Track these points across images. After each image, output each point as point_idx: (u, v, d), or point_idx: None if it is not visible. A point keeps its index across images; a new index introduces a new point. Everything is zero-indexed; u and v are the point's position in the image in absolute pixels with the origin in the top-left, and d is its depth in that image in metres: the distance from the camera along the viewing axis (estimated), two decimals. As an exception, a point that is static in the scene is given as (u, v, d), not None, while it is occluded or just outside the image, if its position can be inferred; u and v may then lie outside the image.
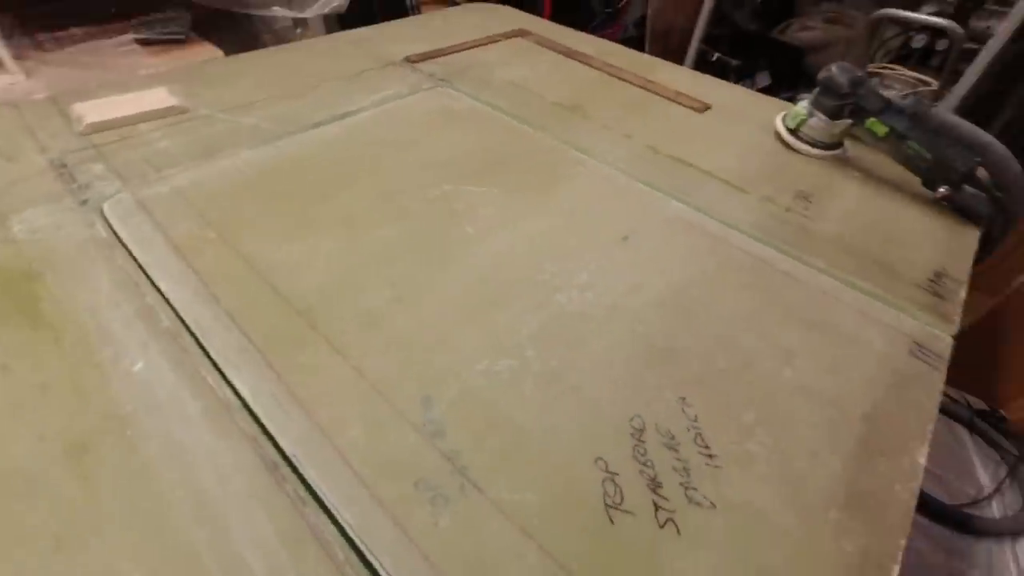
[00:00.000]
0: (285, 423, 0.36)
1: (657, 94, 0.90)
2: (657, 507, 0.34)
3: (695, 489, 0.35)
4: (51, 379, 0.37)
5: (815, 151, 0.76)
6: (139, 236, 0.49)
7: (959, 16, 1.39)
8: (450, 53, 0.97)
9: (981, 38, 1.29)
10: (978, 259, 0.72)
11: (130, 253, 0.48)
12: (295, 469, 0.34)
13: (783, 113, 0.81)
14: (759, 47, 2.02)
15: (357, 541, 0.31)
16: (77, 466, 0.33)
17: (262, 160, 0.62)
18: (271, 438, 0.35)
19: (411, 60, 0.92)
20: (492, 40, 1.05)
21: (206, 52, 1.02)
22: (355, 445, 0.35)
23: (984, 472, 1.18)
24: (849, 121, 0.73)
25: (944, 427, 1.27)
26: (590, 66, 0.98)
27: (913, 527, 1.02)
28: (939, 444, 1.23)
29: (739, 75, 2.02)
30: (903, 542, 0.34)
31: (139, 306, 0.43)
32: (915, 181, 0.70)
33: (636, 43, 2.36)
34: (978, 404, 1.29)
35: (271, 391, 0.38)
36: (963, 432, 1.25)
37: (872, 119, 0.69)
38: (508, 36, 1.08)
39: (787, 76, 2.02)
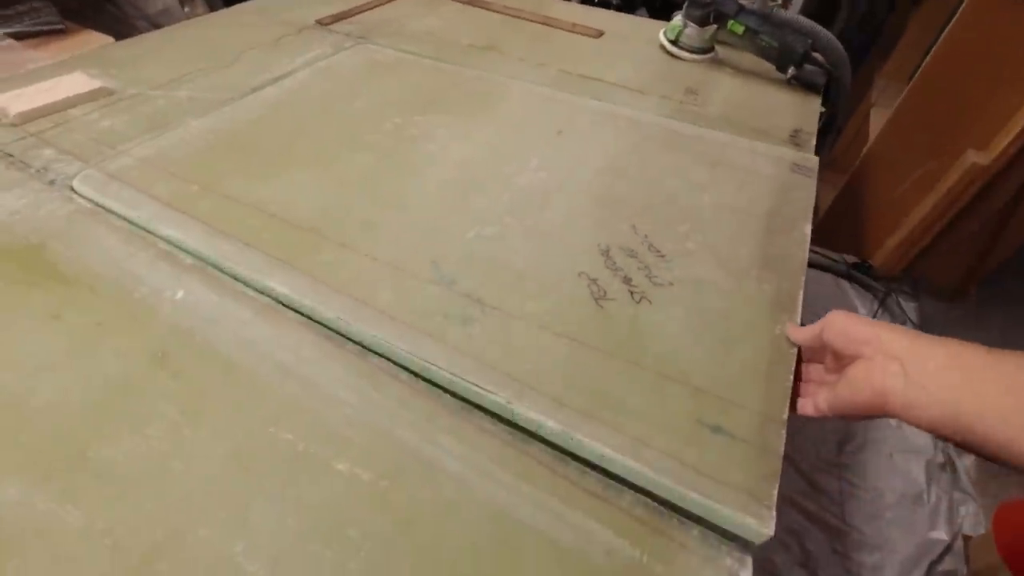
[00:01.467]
0: (329, 303, 0.43)
1: (557, 28, 1.00)
2: (632, 292, 0.46)
3: (656, 276, 0.47)
4: (103, 318, 0.42)
5: (694, 56, 0.91)
6: (125, 200, 0.52)
7: (789, -64, 1.61)
8: (358, 13, 1.01)
9: (808, -47, 1.52)
10: (835, 133, 0.91)
11: (123, 216, 0.51)
12: (349, 337, 0.42)
13: (664, 28, 0.95)
14: (633, -15, 2.18)
15: (415, 360, 0.40)
16: (165, 367, 0.38)
17: (214, 125, 0.65)
18: (320, 322, 0.43)
19: (323, 23, 0.94)
20: (394, -3, 1.09)
21: (96, 39, 0.96)
22: (390, 304, 0.44)
23: (863, 309, 1.48)
24: (715, 26, 0.88)
25: (831, 281, 1.55)
26: (492, 11, 1.06)
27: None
28: (829, 295, 1.51)
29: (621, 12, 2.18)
30: (802, 280, 0.48)
31: (155, 252, 0.47)
32: (771, 69, 0.86)
33: (522, -5, 2.43)
34: (852, 259, 1.59)
35: (308, 285, 0.45)
36: (844, 283, 1.55)
37: (732, 21, 0.85)
38: (408, -8, 1.12)
39: (661, 10, 2.21)
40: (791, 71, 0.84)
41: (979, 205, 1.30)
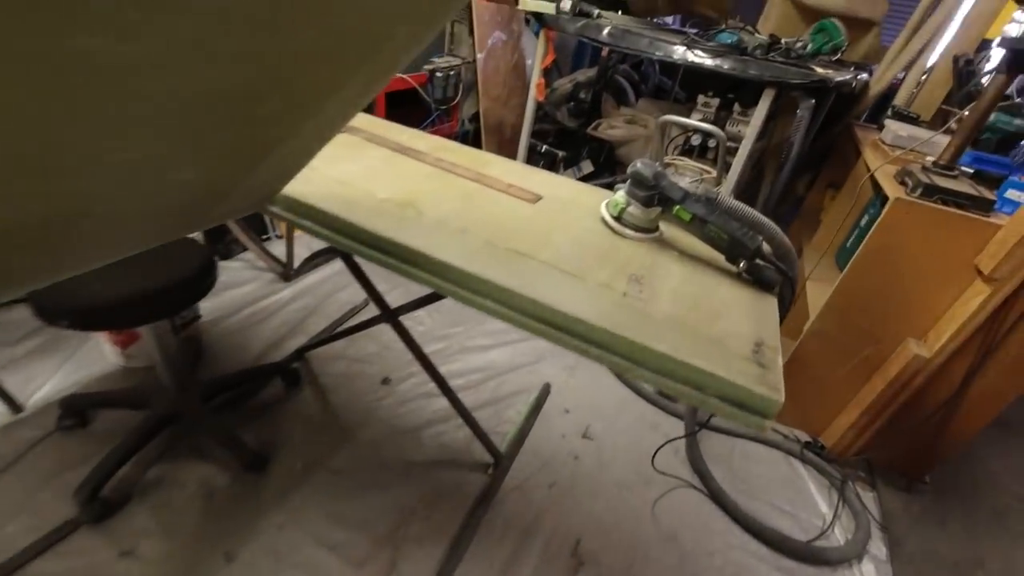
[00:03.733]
0: None
1: (490, 187, 0.90)
2: None
3: None
4: None
5: (637, 235, 0.82)
6: None
7: (719, 123, 1.75)
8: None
9: (736, 139, 1.64)
10: (780, 315, 0.82)
11: None
12: None
13: (606, 201, 0.87)
14: (579, 141, 2.31)
15: None
16: None
17: None
18: None
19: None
20: (315, 134, 0.98)
21: None
22: None
23: (821, 500, 1.32)
24: (659, 208, 0.80)
25: (784, 462, 1.40)
26: (422, 162, 0.96)
27: (780, 571, 1.03)
28: (784, 480, 1.35)
29: (566, 164, 2.28)
30: None
31: None
32: (720, 256, 0.78)
33: (474, 137, 2.53)
34: (804, 436, 1.47)
35: None
36: (798, 464, 1.40)
37: (677, 207, 0.77)
38: (333, 131, 1.02)
39: (605, 164, 2.33)
40: (742, 264, 0.76)
41: (926, 394, 1.25)
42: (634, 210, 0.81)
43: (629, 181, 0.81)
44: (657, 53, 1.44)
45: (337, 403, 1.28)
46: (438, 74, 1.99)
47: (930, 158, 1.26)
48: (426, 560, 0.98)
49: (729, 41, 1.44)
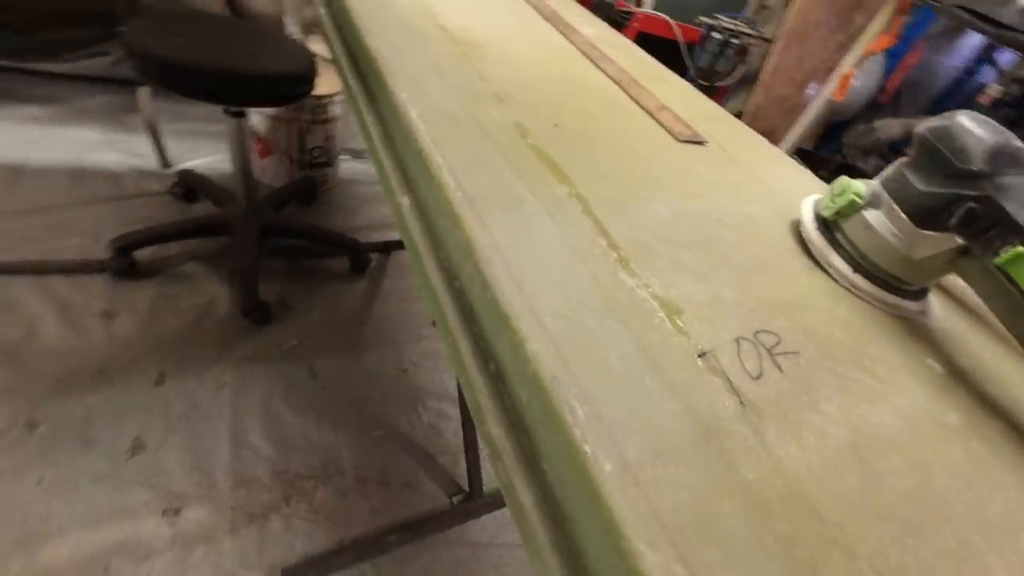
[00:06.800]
0: None
1: (629, 94, 0.52)
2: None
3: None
4: None
5: (864, 284, 0.34)
6: None
7: None
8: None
9: None
10: None
11: None
12: None
13: (820, 197, 0.40)
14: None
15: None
16: None
17: None
18: None
19: None
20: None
21: None
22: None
23: None
24: (958, 240, 0.31)
25: None
26: (567, 38, 0.62)
27: None
28: None
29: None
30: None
31: None
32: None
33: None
34: None
35: None
36: None
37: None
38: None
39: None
40: None
41: None
42: (880, 219, 0.33)
43: (914, 149, 0.33)
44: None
45: (377, 314, 1.10)
46: (715, 35, 1.54)
47: None
48: (290, 544, 0.72)
49: None
